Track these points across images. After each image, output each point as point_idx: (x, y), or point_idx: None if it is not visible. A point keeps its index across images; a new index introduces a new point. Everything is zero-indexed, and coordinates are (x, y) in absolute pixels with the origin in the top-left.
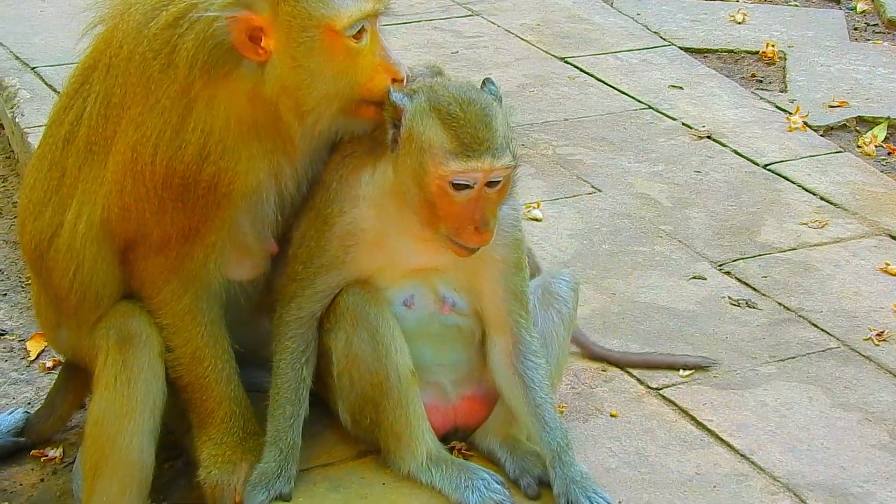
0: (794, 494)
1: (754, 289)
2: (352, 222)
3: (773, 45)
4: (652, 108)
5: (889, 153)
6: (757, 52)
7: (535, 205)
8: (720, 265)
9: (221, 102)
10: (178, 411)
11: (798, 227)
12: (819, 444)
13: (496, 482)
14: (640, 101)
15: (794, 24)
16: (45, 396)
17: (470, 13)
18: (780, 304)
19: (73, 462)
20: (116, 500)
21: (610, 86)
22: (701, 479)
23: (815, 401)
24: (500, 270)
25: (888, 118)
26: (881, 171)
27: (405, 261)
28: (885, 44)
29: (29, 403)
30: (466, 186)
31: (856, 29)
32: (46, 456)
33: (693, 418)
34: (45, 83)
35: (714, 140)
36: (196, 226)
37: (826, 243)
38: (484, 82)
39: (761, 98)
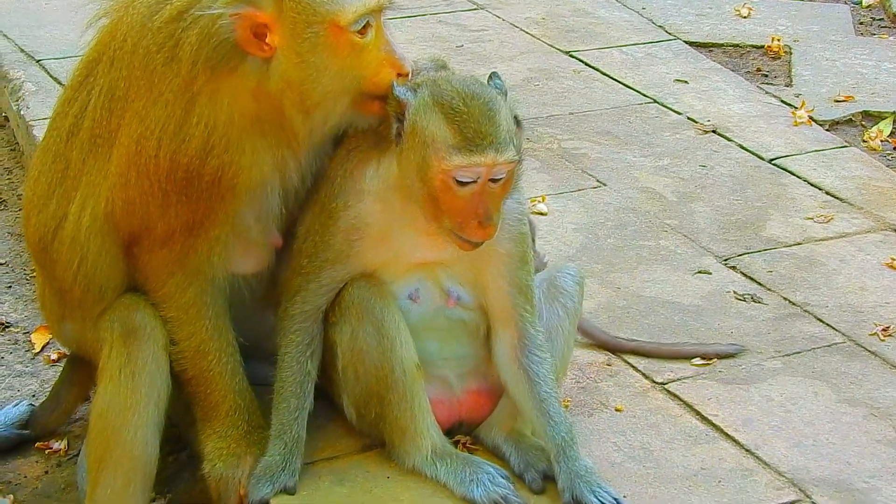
0: (800, 489)
1: (760, 283)
2: (356, 216)
3: (778, 40)
4: (657, 103)
5: (895, 148)
6: (762, 47)
7: (541, 198)
8: (725, 259)
9: (225, 97)
10: (183, 404)
11: (804, 221)
12: (824, 439)
13: (501, 476)
14: (645, 96)
15: (800, 18)
16: (49, 389)
17: (475, 7)
18: (785, 298)
19: (77, 454)
20: (121, 492)
21: (615, 80)
22: (706, 473)
23: (820, 396)
24: (504, 264)
25: (894, 113)
26: (887, 166)
27: (410, 255)
28: (891, 38)
29: (33, 396)
30: (470, 181)
31: (861, 23)
32: (51, 448)
33: (698, 413)
34: (50, 76)
35: (719, 134)
36: (200, 219)
37: (832, 238)
38: (490, 76)
39: (767, 92)
